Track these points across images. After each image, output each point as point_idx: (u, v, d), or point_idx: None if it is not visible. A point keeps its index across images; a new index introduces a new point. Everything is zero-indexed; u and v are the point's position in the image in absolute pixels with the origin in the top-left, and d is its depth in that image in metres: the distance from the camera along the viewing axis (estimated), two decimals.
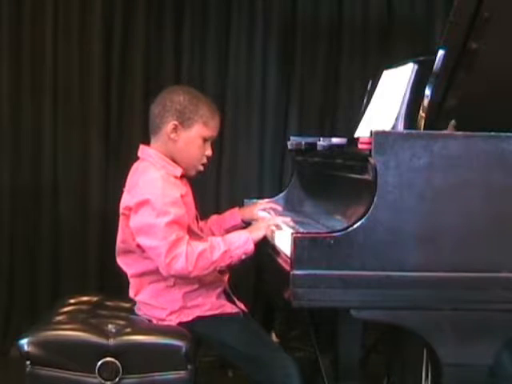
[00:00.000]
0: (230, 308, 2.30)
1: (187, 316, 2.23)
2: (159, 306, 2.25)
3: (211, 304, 2.26)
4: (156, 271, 2.21)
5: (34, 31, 3.47)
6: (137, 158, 2.36)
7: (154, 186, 2.17)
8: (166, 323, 2.23)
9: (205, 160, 2.34)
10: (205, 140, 2.30)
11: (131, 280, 2.32)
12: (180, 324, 2.23)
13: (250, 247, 2.15)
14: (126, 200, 2.24)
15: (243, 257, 2.16)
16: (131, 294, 2.33)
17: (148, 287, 2.27)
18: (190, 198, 2.34)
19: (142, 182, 2.20)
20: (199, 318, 2.23)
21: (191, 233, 2.22)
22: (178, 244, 2.10)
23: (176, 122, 2.25)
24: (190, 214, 2.28)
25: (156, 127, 2.29)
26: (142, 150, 2.33)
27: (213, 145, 2.37)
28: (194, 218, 2.36)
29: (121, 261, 2.33)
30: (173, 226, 2.12)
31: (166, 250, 2.09)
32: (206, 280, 2.26)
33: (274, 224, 2.21)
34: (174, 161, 2.29)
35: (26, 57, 3.47)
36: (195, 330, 2.21)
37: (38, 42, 3.47)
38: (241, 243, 2.15)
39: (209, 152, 2.33)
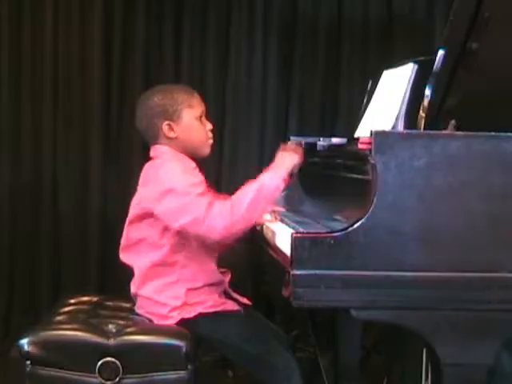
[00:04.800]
0: (231, 306, 2.30)
1: (189, 312, 2.22)
2: (162, 301, 2.24)
3: (213, 301, 2.26)
4: (161, 265, 2.22)
5: (34, 31, 3.47)
6: (144, 159, 2.36)
7: (174, 174, 2.19)
8: (167, 321, 2.22)
9: (210, 134, 2.36)
10: (199, 118, 2.33)
11: (136, 273, 2.30)
12: (182, 320, 2.22)
13: (278, 181, 2.13)
14: (145, 192, 2.24)
15: (282, 186, 2.14)
16: (133, 289, 2.31)
17: (152, 283, 2.26)
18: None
19: (162, 173, 2.21)
20: (201, 315, 2.23)
21: None
22: (210, 207, 2.10)
23: (167, 121, 2.27)
24: None
25: (153, 137, 2.31)
26: (155, 149, 2.33)
27: (207, 117, 2.37)
28: None
29: (125, 256, 2.32)
30: (201, 196, 2.14)
31: (203, 217, 2.08)
32: (209, 279, 2.26)
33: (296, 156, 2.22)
34: (187, 155, 2.31)
35: (25, 57, 3.48)
36: (197, 327, 2.20)
37: (37, 42, 3.48)
38: (270, 172, 2.15)
39: (209, 126, 2.36)
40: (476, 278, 1.80)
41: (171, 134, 2.27)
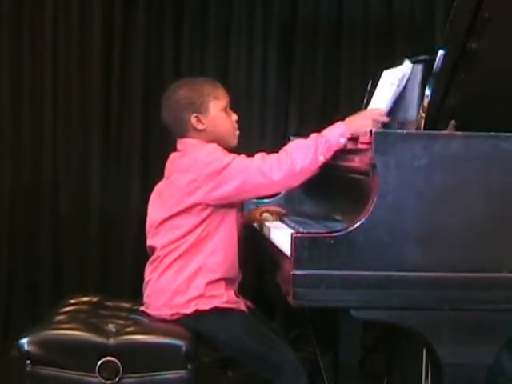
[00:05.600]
0: (243, 306, 2.30)
1: (205, 305, 2.21)
2: (180, 290, 2.22)
3: (229, 297, 2.26)
4: (187, 253, 2.21)
5: (33, 31, 3.47)
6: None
7: (211, 150, 2.23)
8: (183, 310, 2.21)
9: (236, 125, 2.39)
10: (225, 109, 2.35)
11: (160, 256, 2.27)
12: (197, 312, 2.21)
13: (343, 129, 2.12)
14: (180, 178, 2.22)
15: (342, 140, 2.11)
16: (152, 275, 2.28)
17: (171, 271, 2.24)
18: None
19: (202, 156, 2.22)
20: (216, 309, 2.22)
21: (237, 218, 2.28)
22: (263, 155, 2.17)
23: (195, 114, 2.29)
24: None
25: (181, 130, 2.32)
26: (183, 142, 2.33)
27: (231, 108, 2.39)
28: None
29: (154, 239, 2.29)
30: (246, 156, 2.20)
31: (260, 164, 2.15)
32: (229, 272, 2.27)
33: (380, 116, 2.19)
34: None
35: (26, 57, 3.48)
36: (210, 321, 2.20)
37: (37, 42, 3.48)
38: (333, 127, 2.15)
39: (234, 116, 2.38)
40: (476, 278, 1.80)
41: (200, 126, 2.30)
